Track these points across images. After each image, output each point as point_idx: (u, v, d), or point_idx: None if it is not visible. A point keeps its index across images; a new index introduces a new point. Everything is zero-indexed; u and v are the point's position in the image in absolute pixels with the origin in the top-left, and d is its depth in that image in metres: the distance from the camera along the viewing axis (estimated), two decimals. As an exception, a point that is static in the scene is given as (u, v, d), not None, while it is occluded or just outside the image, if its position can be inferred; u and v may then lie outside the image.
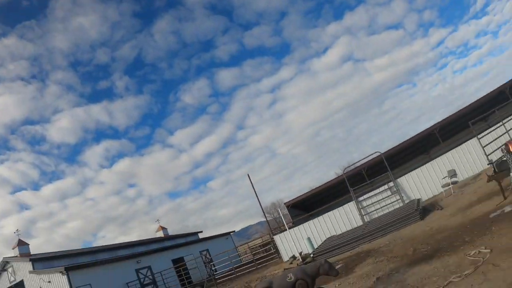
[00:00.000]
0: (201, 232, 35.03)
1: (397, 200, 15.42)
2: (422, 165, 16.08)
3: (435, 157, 16.19)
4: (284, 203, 21.72)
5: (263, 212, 20.18)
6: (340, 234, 15.46)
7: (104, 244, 26.57)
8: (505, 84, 18.41)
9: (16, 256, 22.21)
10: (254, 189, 17.36)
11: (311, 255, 14.22)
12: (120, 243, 29.96)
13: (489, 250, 5.65)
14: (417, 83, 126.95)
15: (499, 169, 7.92)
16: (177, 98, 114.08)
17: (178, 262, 22.94)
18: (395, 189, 15.58)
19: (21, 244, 22.79)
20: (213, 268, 22.38)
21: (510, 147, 5.49)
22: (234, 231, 35.45)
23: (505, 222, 6.68)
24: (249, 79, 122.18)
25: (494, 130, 13.44)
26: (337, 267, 10.39)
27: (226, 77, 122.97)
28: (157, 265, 22.99)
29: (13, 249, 22.74)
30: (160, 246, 28.25)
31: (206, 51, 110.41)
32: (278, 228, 29.81)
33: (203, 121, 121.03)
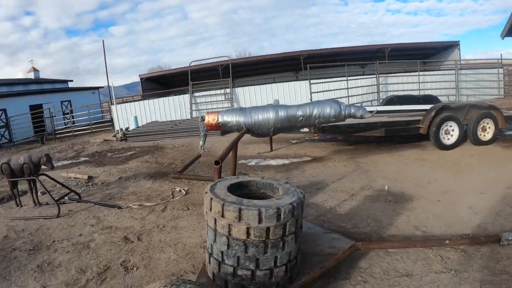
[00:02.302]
0: (72, 81, 32.22)
1: (223, 107, 15.69)
2: (272, 84, 16.51)
3: (300, 80, 16.60)
4: (139, 75, 20.32)
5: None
6: (161, 122, 15.10)
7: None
8: (387, 44, 18.72)
9: None
10: (105, 56, 15.54)
11: (125, 134, 14.06)
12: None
13: (184, 193, 5.67)
14: (349, 3, 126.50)
15: None
16: None
17: (36, 109, 20.50)
18: (229, 97, 15.89)
19: None
20: (71, 120, 21.03)
21: (207, 117, 5.42)
22: (102, 87, 33.59)
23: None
24: None
25: (334, 82, 14.15)
26: (129, 153, 10.62)
27: None
28: (13, 109, 20.46)
29: None
30: (21, 89, 25.31)
31: None
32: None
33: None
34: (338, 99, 9.93)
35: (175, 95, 16.51)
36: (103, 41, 14.92)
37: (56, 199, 5.42)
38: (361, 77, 14.95)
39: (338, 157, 7.13)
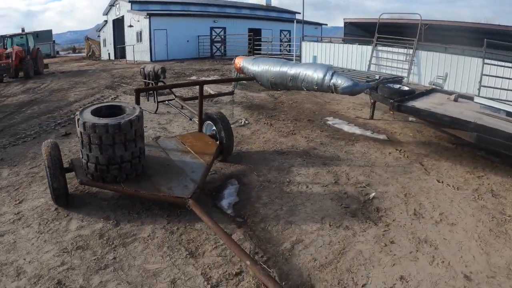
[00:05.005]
0: (299, 13, 33.65)
1: (403, 68, 13.57)
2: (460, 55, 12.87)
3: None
4: (344, 19, 19.70)
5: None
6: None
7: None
8: None
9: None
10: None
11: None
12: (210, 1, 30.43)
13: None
14: None
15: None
16: None
17: (254, 32, 23.66)
18: (410, 58, 13.47)
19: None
20: (287, 48, 23.58)
21: (236, 60, 5.32)
22: (326, 24, 34.52)
23: (315, 127, 6.81)
24: None
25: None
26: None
27: None
28: (233, 28, 24.90)
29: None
30: (248, 13, 29.32)
31: None
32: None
33: None
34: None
35: (360, 44, 15.56)
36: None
37: (159, 100, 7.30)
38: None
39: (410, 149, 5.71)
